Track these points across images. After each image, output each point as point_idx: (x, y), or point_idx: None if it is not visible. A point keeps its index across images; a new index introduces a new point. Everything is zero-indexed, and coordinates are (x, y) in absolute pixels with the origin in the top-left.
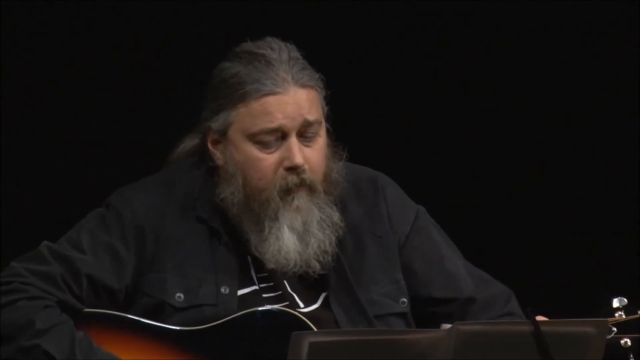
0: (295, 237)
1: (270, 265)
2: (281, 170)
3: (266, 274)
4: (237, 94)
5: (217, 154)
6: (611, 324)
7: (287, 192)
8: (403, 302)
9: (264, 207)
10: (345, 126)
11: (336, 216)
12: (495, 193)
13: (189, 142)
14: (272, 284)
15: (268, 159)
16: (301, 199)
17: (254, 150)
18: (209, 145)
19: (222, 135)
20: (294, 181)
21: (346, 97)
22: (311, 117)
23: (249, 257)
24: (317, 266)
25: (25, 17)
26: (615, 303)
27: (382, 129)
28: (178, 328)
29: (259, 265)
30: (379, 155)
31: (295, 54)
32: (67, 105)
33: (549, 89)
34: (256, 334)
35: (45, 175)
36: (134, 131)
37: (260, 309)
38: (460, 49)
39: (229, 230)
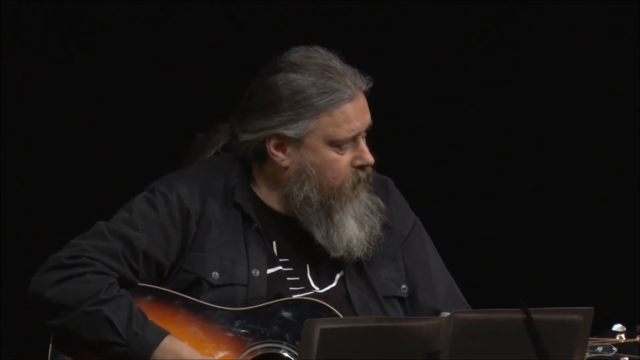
0: (357, 225)
1: (339, 253)
2: (351, 168)
3: (288, 259)
4: (318, 103)
5: (282, 156)
6: (612, 345)
7: (355, 186)
8: (404, 289)
9: (337, 200)
10: None
11: (381, 203)
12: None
13: (211, 141)
14: (291, 268)
15: (342, 160)
16: (364, 190)
17: (331, 154)
18: (271, 148)
19: (297, 141)
20: (363, 176)
21: None
22: (370, 119)
23: (274, 242)
24: (371, 250)
25: (25, 17)
26: (616, 327)
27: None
28: (218, 307)
29: (282, 249)
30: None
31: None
32: (66, 105)
33: (546, 89)
34: (289, 318)
35: (45, 175)
36: (133, 131)
37: (294, 297)
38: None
39: (260, 218)
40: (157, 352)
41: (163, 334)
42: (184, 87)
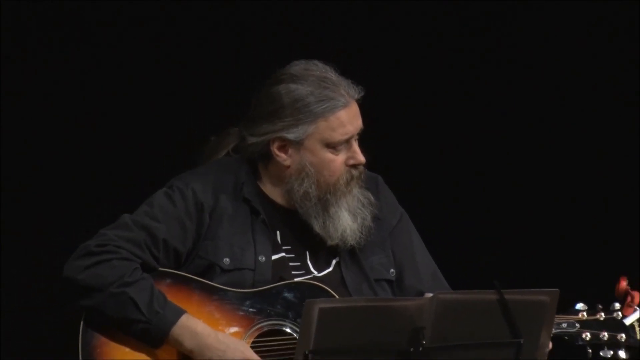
0: (350, 217)
1: (334, 242)
2: (345, 167)
3: (290, 246)
4: (316, 110)
5: (284, 156)
6: (575, 321)
7: (349, 183)
8: (392, 272)
9: (332, 195)
10: None
11: (372, 197)
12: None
13: (223, 143)
14: (293, 255)
15: (337, 160)
16: (356, 186)
17: (327, 154)
18: (274, 150)
19: (297, 143)
20: (356, 174)
21: None
22: (361, 123)
23: (278, 232)
24: (362, 239)
25: (25, 17)
26: (579, 306)
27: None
28: (229, 289)
29: (285, 238)
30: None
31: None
32: (66, 104)
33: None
34: (291, 299)
35: (45, 175)
36: (133, 132)
37: (296, 280)
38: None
39: (265, 210)
40: (175, 329)
41: (181, 312)
42: (184, 87)
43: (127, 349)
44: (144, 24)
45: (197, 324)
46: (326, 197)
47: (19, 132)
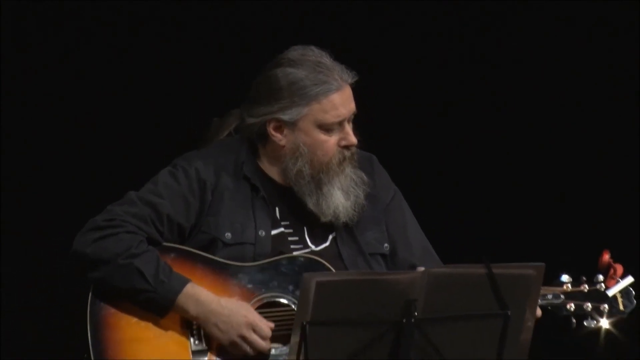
0: (343, 195)
1: (327, 219)
2: (338, 147)
3: (288, 222)
4: (310, 93)
5: (279, 136)
6: (560, 293)
7: (341, 163)
8: (386, 247)
9: (325, 174)
10: None
11: (364, 176)
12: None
13: (225, 124)
14: (292, 230)
15: (330, 140)
16: (349, 166)
17: (321, 135)
18: (271, 130)
19: (292, 124)
20: (348, 155)
21: None
22: (355, 107)
23: (277, 208)
24: (355, 216)
25: (25, 17)
26: (564, 278)
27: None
28: (231, 262)
29: (284, 214)
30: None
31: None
32: (66, 104)
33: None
34: (290, 272)
35: (45, 175)
36: (133, 132)
37: (294, 253)
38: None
39: (265, 188)
40: (181, 297)
41: (186, 281)
42: (183, 88)
43: (134, 319)
44: (143, 24)
45: (201, 291)
46: (319, 176)
47: (19, 132)
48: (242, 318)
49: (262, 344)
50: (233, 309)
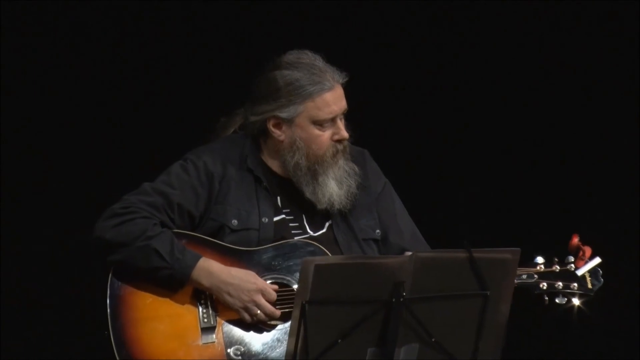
0: (337, 185)
1: (323, 206)
2: (331, 141)
3: (289, 210)
4: (305, 92)
5: (278, 132)
6: (534, 273)
7: (334, 155)
8: (378, 233)
9: (320, 166)
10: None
11: (356, 168)
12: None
13: (231, 122)
14: (292, 217)
15: (324, 135)
16: (342, 158)
17: (315, 131)
18: (270, 127)
19: (289, 121)
20: (340, 148)
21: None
22: (346, 104)
23: (278, 197)
24: (348, 204)
25: (25, 17)
26: (538, 259)
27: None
28: (238, 247)
29: (284, 203)
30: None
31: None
32: (66, 105)
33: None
34: (291, 256)
35: (45, 175)
36: (133, 132)
37: (295, 239)
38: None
39: (267, 179)
40: (195, 271)
41: (198, 256)
42: (183, 87)
43: (149, 299)
44: (145, 23)
45: (212, 264)
46: (315, 168)
47: (19, 132)
48: (251, 285)
49: (270, 307)
50: (242, 277)
